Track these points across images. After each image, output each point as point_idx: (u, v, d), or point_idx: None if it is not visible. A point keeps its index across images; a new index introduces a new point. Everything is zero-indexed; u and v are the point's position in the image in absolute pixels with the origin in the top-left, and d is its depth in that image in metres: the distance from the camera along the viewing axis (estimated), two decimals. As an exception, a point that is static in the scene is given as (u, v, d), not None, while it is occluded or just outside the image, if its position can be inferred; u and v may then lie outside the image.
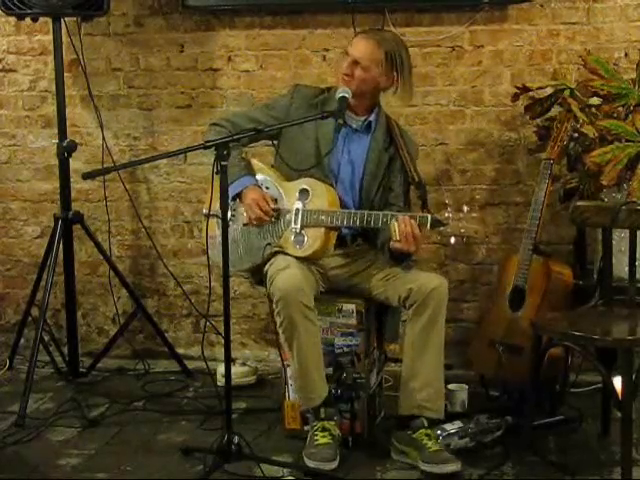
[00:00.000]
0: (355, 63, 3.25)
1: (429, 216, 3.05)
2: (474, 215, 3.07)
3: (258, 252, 3.31)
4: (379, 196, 3.35)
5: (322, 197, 3.25)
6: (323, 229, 3.23)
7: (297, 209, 3.26)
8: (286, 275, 3.14)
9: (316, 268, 3.30)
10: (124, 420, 3.57)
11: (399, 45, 3.32)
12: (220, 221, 3.09)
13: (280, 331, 3.19)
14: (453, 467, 3.03)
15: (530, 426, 3.25)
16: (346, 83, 3.26)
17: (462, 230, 3.03)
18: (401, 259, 3.24)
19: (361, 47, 3.26)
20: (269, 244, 3.30)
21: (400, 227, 3.05)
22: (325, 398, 3.22)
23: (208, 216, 3.27)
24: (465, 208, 3.06)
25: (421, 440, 3.12)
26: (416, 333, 3.18)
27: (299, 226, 3.25)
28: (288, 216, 3.29)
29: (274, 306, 3.16)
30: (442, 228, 3.05)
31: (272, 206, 3.29)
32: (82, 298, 4.38)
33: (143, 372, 4.16)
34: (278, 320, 3.16)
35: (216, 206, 3.04)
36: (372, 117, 3.37)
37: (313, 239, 3.24)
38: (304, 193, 3.27)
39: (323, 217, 3.22)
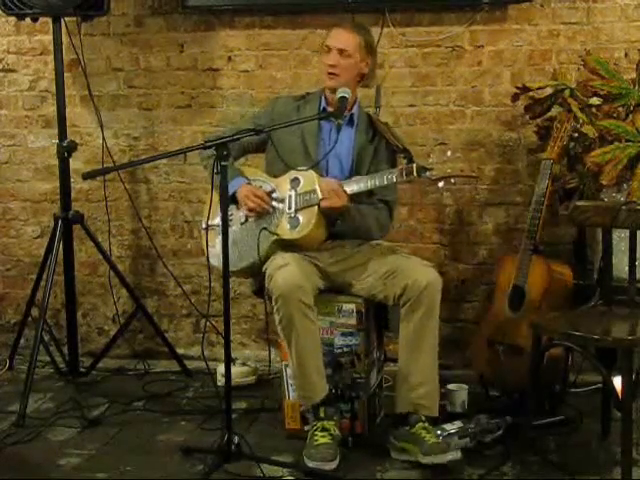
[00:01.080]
0: (340, 52, 3.33)
1: (414, 165, 3.14)
2: (458, 155, 3.10)
3: (255, 244, 3.32)
4: None
5: (313, 182, 3.30)
6: (316, 208, 3.27)
7: (290, 195, 3.32)
8: (285, 272, 3.14)
9: (315, 264, 3.31)
10: (124, 420, 3.57)
11: (368, 31, 3.46)
12: (218, 229, 3.12)
13: (279, 329, 3.19)
14: (453, 455, 3.06)
15: (530, 426, 3.25)
16: (332, 78, 3.34)
17: (448, 170, 3.16)
18: (334, 218, 3.30)
19: (343, 37, 3.36)
20: (264, 228, 3.31)
21: (321, 186, 3.23)
22: (325, 397, 3.22)
23: (207, 229, 3.34)
24: (448, 152, 3.20)
25: (419, 434, 3.13)
26: (411, 331, 3.21)
27: (293, 210, 3.30)
28: (282, 205, 3.33)
29: (273, 303, 3.17)
30: (428, 173, 3.13)
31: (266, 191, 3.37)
32: (82, 298, 4.38)
33: (143, 372, 4.16)
34: (277, 318, 3.17)
35: (215, 217, 3.09)
36: (354, 110, 3.45)
37: (307, 220, 3.28)
38: (295, 181, 3.34)
39: (314, 195, 3.27)
